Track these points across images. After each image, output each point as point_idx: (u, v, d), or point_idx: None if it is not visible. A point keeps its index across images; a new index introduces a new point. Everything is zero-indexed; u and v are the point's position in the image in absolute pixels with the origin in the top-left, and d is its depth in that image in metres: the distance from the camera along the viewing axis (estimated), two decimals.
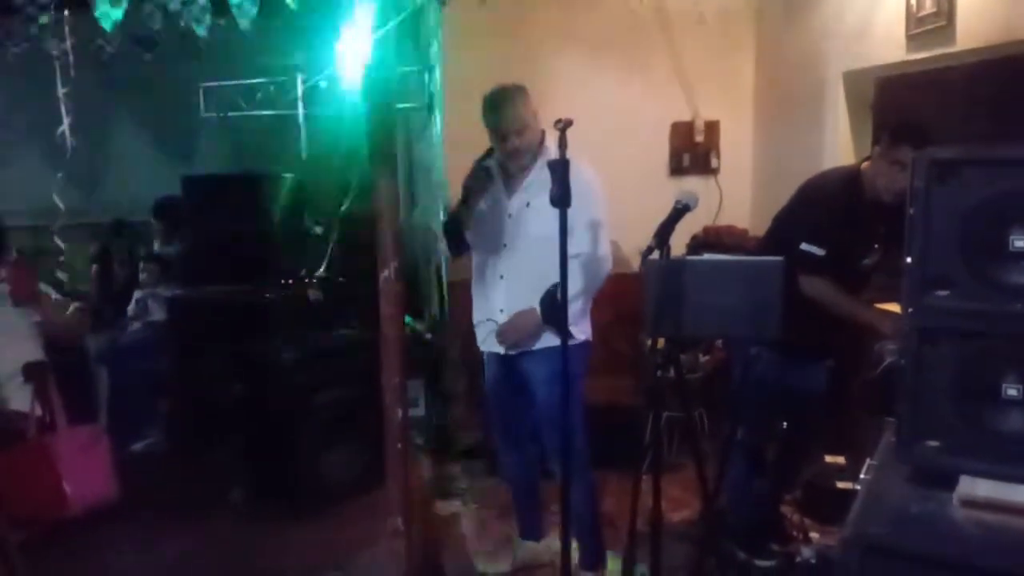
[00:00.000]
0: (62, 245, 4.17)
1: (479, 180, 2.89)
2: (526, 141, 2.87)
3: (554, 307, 2.80)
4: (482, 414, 4.42)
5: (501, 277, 2.98)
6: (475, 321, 3.13)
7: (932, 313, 1.57)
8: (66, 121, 3.53)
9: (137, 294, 5.05)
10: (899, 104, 3.91)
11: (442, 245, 4.46)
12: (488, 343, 3.08)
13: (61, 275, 4.71)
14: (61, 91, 3.54)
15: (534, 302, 2.85)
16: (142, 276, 5.07)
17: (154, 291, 5.00)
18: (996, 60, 3.17)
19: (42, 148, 6.46)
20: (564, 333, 2.52)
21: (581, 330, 2.98)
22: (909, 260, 1.58)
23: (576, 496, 3.02)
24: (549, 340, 2.89)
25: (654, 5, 4.58)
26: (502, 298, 2.98)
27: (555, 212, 2.59)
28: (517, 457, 3.25)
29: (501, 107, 2.86)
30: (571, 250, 2.76)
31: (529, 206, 2.90)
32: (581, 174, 2.84)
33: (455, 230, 3.05)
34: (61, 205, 3.57)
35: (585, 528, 3.11)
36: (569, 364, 2.86)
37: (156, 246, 5.30)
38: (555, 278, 2.69)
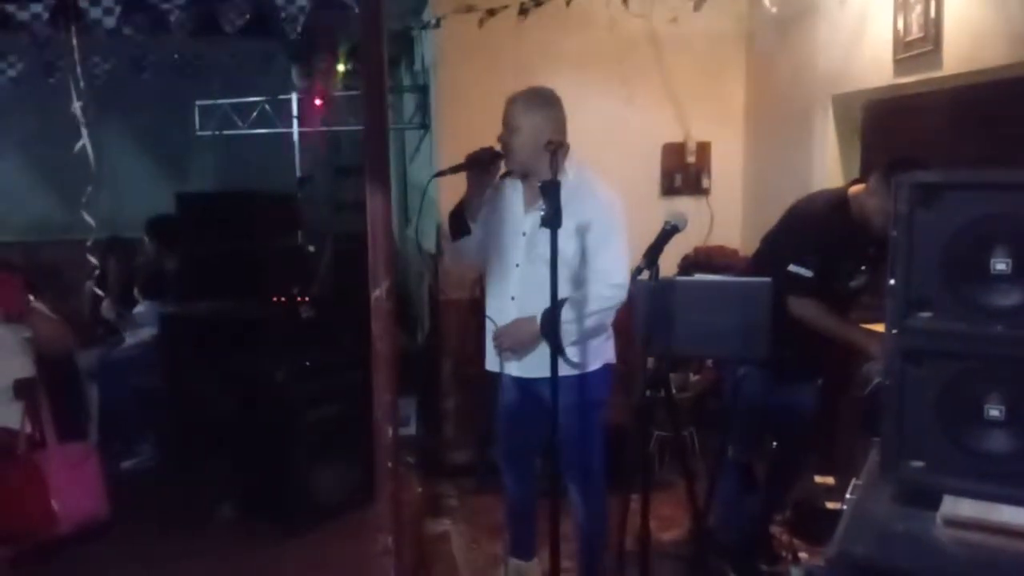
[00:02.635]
0: (95, 261, 4.17)
1: (481, 159, 2.79)
2: (513, 142, 2.80)
3: (555, 323, 2.75)
4: (475, 432, 4.43)
5: (512, 298, 2.91)
6: (486, 340, 3.05)
7: (915, 334, 1.58)
8: (84, 135, 3.55)
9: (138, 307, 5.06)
10: (887, 127, 3.95)
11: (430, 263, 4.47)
12: (494, 363, 3.00)
13: (98, 290, 4.72)
14: (76, 105, 3.56)
15: None
16: (135, 293, 5.07)
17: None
18: (982, 84, 3.22)
19: (31, 164, 6.50)
20: (554, 357, 2.51)
21: (600, 355, 2.93)
22: (892, 282, 1.60)
23: (585, 520, 3.04)
24: (565, 368, 2.79)
25: (646, 27, 4.63)
26: (512, 319, 2.92)
27: (571, 234, 2.62)
28: (520, 477, 3.21)
29: (508, 100, 2.84)
30: (588, 273, 2.80)
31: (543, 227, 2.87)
32: (601, 193, 2.86)
33: (457, 214, 2.94)
34: (91, 221, 3.57)
35: (588, 552, 3.10)
36: (590, 390, 2.90)
37: (149, 263, 5.31)
38: (570, 301, 2.75)
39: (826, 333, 2.94)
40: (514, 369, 2.97)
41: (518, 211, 2.94)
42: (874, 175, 2.92)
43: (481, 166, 2.80)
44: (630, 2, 3.75)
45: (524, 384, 2.98)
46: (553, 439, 2.57)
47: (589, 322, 2.82)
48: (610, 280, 2.80)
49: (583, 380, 2.90)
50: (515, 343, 2.90)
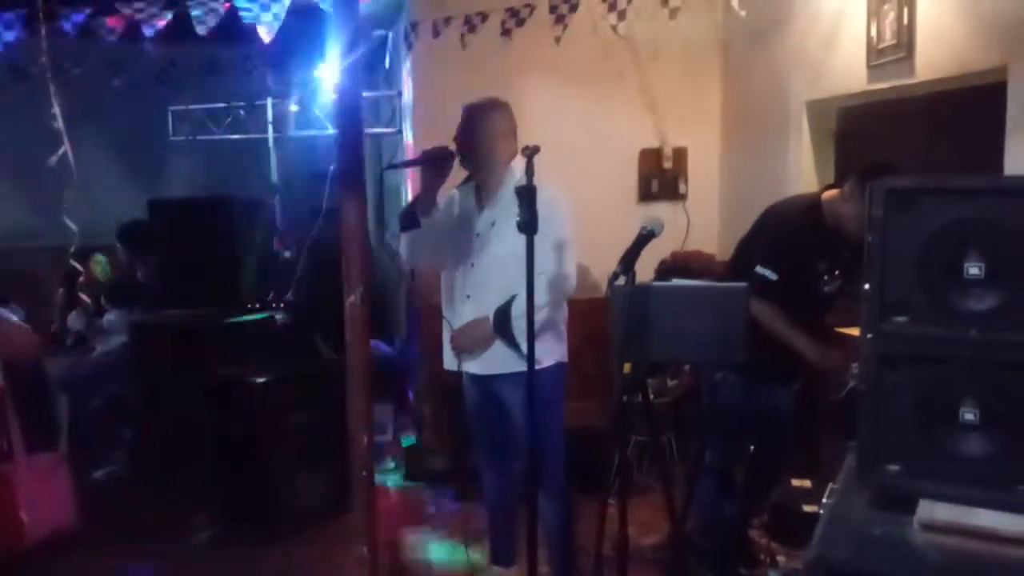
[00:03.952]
0: (79, 267, 4.10)
1: (435, 156, 2.86)
2: (468, 148, 2.90)
3: (506, 320, 2.84)
4: (452, 439, 4.41)
5: (468, 297, 2.99)
6: (443, 339, 3.11)
7: (891, 339, 1.59)
8: (66, 142, 3.50)
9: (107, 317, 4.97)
10: (861, 133, 3.99)
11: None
12: (450, 361, 3.08)
13: (83, 296, 4.63)
14: (56, 109, 3.51)
15: None
16: (103, 300, 4.99)
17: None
18: (954, 91, 3.25)
19: (1, 171, 6.40)
20: (530, 359, 2.51)
21: (551, 352, 2.96)
22: (868, 287, 1.61)
23: (550, 521, 3.02)
24: (520, 364, 2.81)
25: (624, 36, 4.64)
26: (468, 318, 2.97)
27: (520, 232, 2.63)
28: (498, 476, 3.22)
29: (463, 109, 2.95)
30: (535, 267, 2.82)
31: (494, 226, 2.92)
32: (544, 193, 2.88)
33: (409, 209, 3.00)
34: (74, 227, 3.53)
35: (558, 553, 3.10)
36: (542, 388, 2.86)
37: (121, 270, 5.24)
38: (519, 298, 2.76)
39: (775, 336, 2.95)
40: (472, 367, 3.03)
41: (472, 213, 3.02)
42: (848, 181, 2.94)
43: (436, 163, 2.87)
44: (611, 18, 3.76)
45: (482, 382, 3.04)
46: (531, 441, 2.56)
47: (539, 316, 2.81)
48: (553, 270, 2.85)
49: (536, 377, 2.90)
50: (470, 344, 2.97)
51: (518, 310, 2.84)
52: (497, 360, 2.94)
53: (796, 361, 3.08)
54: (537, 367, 2.82)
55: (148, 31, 3.40)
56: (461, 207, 3.07)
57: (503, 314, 2.86)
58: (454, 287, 3.06)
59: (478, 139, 2.91)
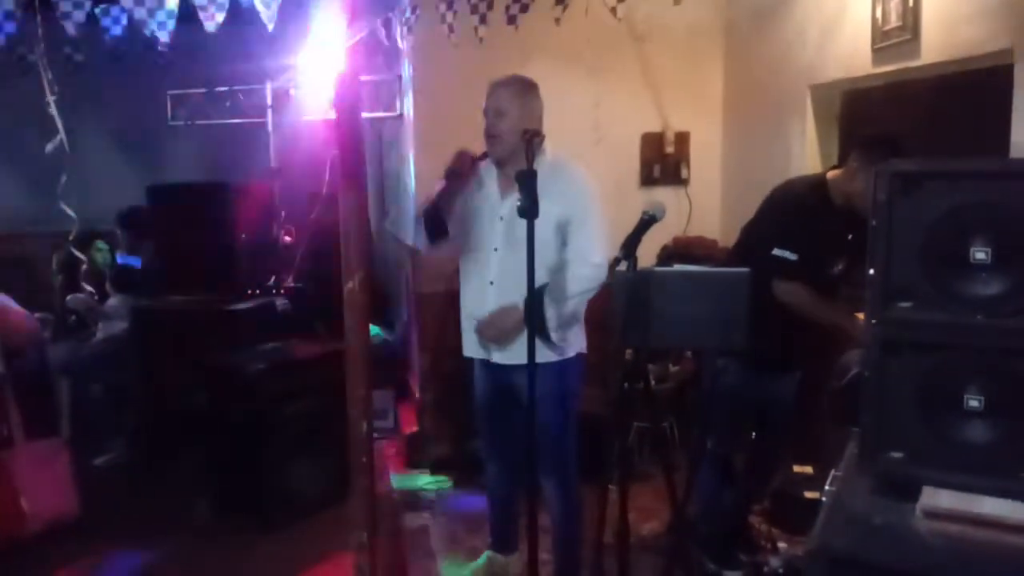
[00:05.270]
0: (82, 256, 4.09)
1: (460, 167, 2.81)
2: (502, 129, 2.80)
3: (540, 311, 2.76)
4: (453, 425, 4.40)
5: (491, 283, 2.91)
6: (463, 328, 3.05)
7: (895, 324, 1.57)
8: (61, 130, 3.48)
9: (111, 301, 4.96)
10: (865, 117, 3.95)
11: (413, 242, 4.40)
12: (474, 349, 3.01)
13: (85, 285, 4.61)
14: (50, 97, 3.50)
15: None
16: (107, 286, 4.98)
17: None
18: (960, 74, 3.21)
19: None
20: (531, 347, 2.48)
21: (573, 343, 2.92)
22: (872, 271, 1.58)
23: (558, 511, 3.02)
24: (542, 355, 2.72)
25: (625, 18, 4.60)
26: (492, 305, 2.89)
27: (549, 218, 2.59)
28: (501, 467, 3.20)
29: (494, 87, 2.86)
30: (567, 256, 2.82)
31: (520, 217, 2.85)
32: (577, 178, 2.87)
33: (434, 216, 2.93)
34: (72, 213, 3.51)
35: (562, 543, 3.08)
36: (567, 379, 2.89)
37: (120, 255, 5.22)
38: (549, 287, 2.73)
39: (812, 318, 2.91)
40: (495, 355, 2.96)
41: (494, 196, 2.93)
42: (853, 154, 2.91)
43: (460, 176, 2.82)
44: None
45: (497, 371, 2.97)
46: (529, 430, 2.54)
47: (570, 305, 2.83)
48: (589, 260, 2.80)
49: (560, 368, 2.90)
50: (499, 332, 2.89)
51: (548, 299, 2.79)
52: (521, 350, 2.80)
53: (798, 347, 3.07)
54: (561, 358, 2.86)
55: (164, 47, 3.36)
56: (482, 188, 2.97)
57: (531, 304, 2.72)
58: (473, 273, 2.98)
59: (510, 123, 2.80)
